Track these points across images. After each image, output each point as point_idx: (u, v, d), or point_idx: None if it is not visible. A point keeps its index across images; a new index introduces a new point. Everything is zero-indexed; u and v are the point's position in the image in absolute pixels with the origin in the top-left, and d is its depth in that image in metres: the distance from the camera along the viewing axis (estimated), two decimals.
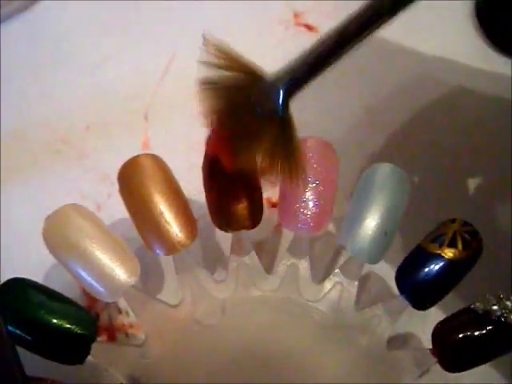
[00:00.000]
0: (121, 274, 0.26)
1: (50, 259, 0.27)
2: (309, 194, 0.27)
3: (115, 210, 0.33)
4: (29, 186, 0.34)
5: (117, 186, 0.28)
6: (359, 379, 0.27)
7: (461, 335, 0.25)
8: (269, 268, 0.31)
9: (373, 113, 0.37)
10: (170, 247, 0.27)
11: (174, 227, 0.27)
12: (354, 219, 0.27)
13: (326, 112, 0.37)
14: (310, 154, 0.28)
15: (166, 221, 0.27)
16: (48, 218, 0.27)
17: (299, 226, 0.27)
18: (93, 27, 0.39)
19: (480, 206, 0.33)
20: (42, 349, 0.26)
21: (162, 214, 0.27)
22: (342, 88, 0.38)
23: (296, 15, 0.40)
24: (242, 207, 0.27)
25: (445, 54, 0.39)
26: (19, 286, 0.26)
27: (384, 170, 0.28)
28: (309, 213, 0.27)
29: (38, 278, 0.31)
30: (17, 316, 0.25)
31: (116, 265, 0.26)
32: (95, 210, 0.33)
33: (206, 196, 0.28)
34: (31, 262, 0.32)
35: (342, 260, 0.31)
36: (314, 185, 0.27)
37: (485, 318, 0.24)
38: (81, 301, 0.31)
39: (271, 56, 0.39)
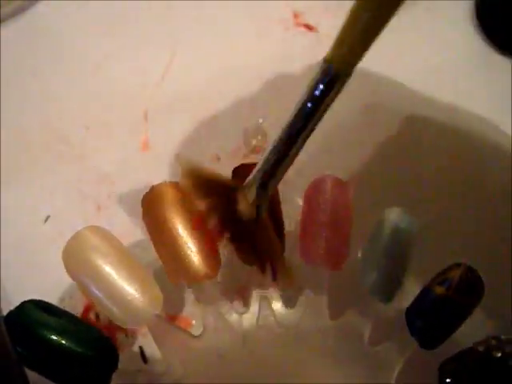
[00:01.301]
0: (144, 303, 0.26)
1: (49, 259, 0.27)
2: (328, 234, 0.28)
3: (115, 209, 0.33)
4: (29, 186, 0.34)
5: (117, 186, 0.28)
6: None
7: (463, 374, 0.26)
8: (289, 301, 0.32)
9: (373, 113, 0.37)
10: (195, 278, 0.27)
11: (199, 258, 0.27)
12: (368, 264, 0.29)
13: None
14: (329, 195, 0.29)
15: (191, 252, 0.27)
16: (70, 241, 0.27)
17: (319, 262, 0.28)
18: (93, 27, 0.39)
19: (481, 245, 0.33)
20: (58, 377, 0.25)
21: (186, 243, 0.27)
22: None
23: (296, 15, 0.40)
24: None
25: (445, 54, 0.39)
26: (34, 308, 0.26)
27: (394, 217, 0.29)
28: (328, 250, 0.28)
29: (37, 277, 0.31)
30: (31, 342, 0.25)
31: (140, 294, 0.26)
32: (95, 209, 0.33)
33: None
34: (31, 262, 0.32)
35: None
36: (332, 224, 0.29)
37: (486, 357, 0.26)
38: (81, 301, 0.31)
39: (271, 56, 0.39)
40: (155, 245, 0.28)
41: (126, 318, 0.26)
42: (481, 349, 0.26)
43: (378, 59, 0.39)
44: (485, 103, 0.37)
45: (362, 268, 0.29)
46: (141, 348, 0.30)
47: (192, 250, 0.27)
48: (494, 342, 0.26)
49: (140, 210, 0.29)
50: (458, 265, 0.28)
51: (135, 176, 0.28)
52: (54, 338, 0.24)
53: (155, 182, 0.28)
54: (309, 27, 0.39)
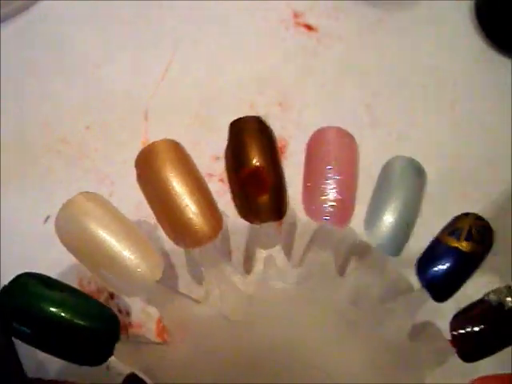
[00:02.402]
0: (144, 269, 0.25)
1: (49, 258, 0.27)
2: (333, 187, 0.27)
3: None
4: (29, 186, 0.34)
5: (117, 186, 0.28)
6: (381, 370, 0.27)
7: (476, 326, 0.26)
8: (295, 258, 0.31)
9: (373, 113, 0.37)
10: (197, 240, 0.26)
11: (201, 219, 0.26)
12: (376, 212, 0.28)
13: (325, 112, 0.37)
14: (333, 146, 0.28)
15: (192, 212, 0.26)
16: (62, 208, 0.25)
17: (324, 217, 0.27)
18: (93, 27, 0.39)
19: (488, 200, 0.33)
20: (61, 350, 0.24)
21: (187, 205, 0.26)
22: (342, 88, 0.38)
23: (296, 15, 0.40)
24: (269, 197, 0.27)
25: (445, 53, 0.39)
26: (31, 281, 0.24)
27: (402, 162, 0.29)
28: (334, 204, 0.27)
29: None
30: (30, 315, 0.23)
31: (139, 260, 0.25)
32: None
33: (230, 183, 0.28)
34: (31, 262, 0.32)
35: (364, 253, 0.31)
36: (337, 177, 0.27)
37: (498, 308, 0.26)
38: None
39: (271, 56, 0.39)
40: (152, 207, 0.27)
41: (125, 286, 0.25)
42: (492, 299, 0.26)
43: (378, 59, 0.39)
44: (485, 103, 0.38)
45: (369, 221, 0.28)
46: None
47: (193, 211, 0.26)
48: (505, 292, 0.26)
49: (140, 209, 0.28)
50: (467, 214, 0.28)
51: (135, 176, 0.28)
52: (53, 311, 0.23)
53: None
54: (309, 27, 0.39)
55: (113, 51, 0.38)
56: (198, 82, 0.37)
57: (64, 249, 0.31)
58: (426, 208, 0.29)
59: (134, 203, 0.29)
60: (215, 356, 0.26)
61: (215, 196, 0.28)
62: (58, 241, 0.31)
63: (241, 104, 0.36)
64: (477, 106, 0.37)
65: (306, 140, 0.29)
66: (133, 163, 0.28)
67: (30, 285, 0.24)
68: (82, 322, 0.23)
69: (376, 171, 0.29)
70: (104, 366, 0.28)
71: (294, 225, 0.32)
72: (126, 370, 0.30)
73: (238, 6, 0.39)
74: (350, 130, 0.29)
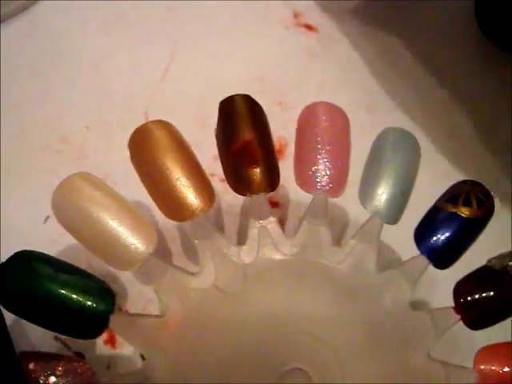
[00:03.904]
0: (138, 242, 0.26)
1: None
2: (324, 156, 0.28)
3: None
4: (29, 186, 0.34)
5: (117, 186, 0.28)
6: (382, 340, 0.27)
7: (481, 292, 0.26)
8: (290, 230, 0.31)
9: (373, 113, 0.37)
10: (189, 213, 0.27)
11: (192, 192, 0.27)
12: (370, 181, 0.28)
13: None
14: (323, 118, 0.28)
15: (183, 186, 0.27)
16: (57, 188, 0.26)
17: (318, 187, 0.28)
18: (93, 27, 0.39)
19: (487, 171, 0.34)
20: (56, 324, 0.25)
21: (178, 179, 0.27)
22: (342, 88, 0.38)
23: (296, 15, 0.40)
24: (260, 170, 0.28)
25: (445, 53, 0.39)
26: (28, 258, 0.25)
27: (395, 133, 0.29)
28: (326, 174, 0.28)
29: None
30: (27, 291, 0.24)
31: (132, 233, 0.26)
32: None
33: (222, 161, 0.28)
34: None
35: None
36: (328, 147, 0.28)
37: (502, 274, 0.26)
38: None
39: (271, 56, 0.39)
40: (146, 185, 0.27)
41: (120, 259, 0.26)
42: (496, 265, 0.26)
43: (377, 59, 0.39)
44: (485, 103, 0.38)
45: (363, 190, 0.28)
46: None
47: (184, 184, 0.27)
48: (509, 257, 0.26)
49: (140, 209, 0.28)
50: (464, 181, 0.28)
51: (135, 176, 0.28)
52: (48, 285, 0.24)
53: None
54: (309, 27, 0.39)
55: (113, 51, 0.38)
56: (198, 82, 0.37)
57: (64, 249, 0.31)
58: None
59: (135, 203, 0.29)
60: (211, 328, 0.27)
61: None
62: (57, 241, 0.32)
63: None
64: (477, 106, 0.37)
65: None
66: None
67: (25, 261, 0.25)
68: (76, 295, 0.24)
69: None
70: (104, 365, 0.28)
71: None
72: (126, 370, 0.30)
73: (238, 5, 0.39)
74: (351, 129, 0.29)
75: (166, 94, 0.37)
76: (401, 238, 0.29)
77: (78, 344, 0.30)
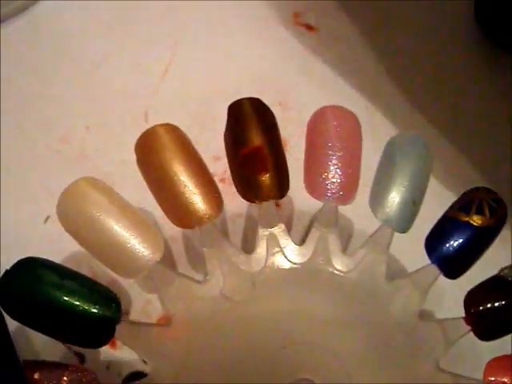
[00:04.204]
0: (145, 249, 0.25)
1: (50, 259, 0.27)
2: (335, 163, 0.27)
3: None
4: (29, 186, 0.34)
5: (117, 186, 0.28)
6: (390, 350, 0.27)
7: (492, 302, 0.25)
8: (299, 237, 0.31)
9: (373, 113, 0.37)
10: (197, 220, 0.26)
11: (200, 199, 0.26)
12: (381, 188, 0.27)
13: None
14: (335, 123, 0.28)
15: (191, 192, 0.26)
16: (62, 194, 0.26)
17: (328, 195, 0.27)
18: (93, 27, 0.39)
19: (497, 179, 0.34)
20: (61, 333, 0.24)
21: (186, 185, 0.26)
22: (342, 88, 0.38)
23: (296, 15, 0.40)
24: (269, 176, 0.27)
25: (445, 53, 0.39)
26: (33, 265, 0.25)
27: (408, 139, 0.28)
28: (337, 181, 0.27)
29: None
30: (31, 299, 0.24)
31: (139, 240, 0.25)
32: None
33: (230, 166, 0.28)
34: None
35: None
36: (339, 153, 0.27)
37: None
38: None
39: (271, 56, 0.39)
40: (152, 190, 0.27)
41: (126, 266, 0.25)
42: (508, 275, 0.25)
43: (377, 59, 0.39)
44: (485, 103, 0.38)
45: (374, 197, 0.28)
46: None
47: (192, 190, 0.26)
48: None
49: (141, 209, 0.28)
50: (477, 188, 0.27)
51: (135, 176, 0.28)
52: (54, 293, 0.24)
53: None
54: (309, 27, 0.39)
55: (113, 51, 0.38)
56: (198, 82, 0.37)
57: (64, 249, 0.31)
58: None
59: (135, 203, 0.29)
60: (217, 337, 0.26)
61: None
62: (57, 241, 0.32)
63: None
64: (477, 106, 0.37)
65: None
66: (133, 163, 0.28)
67: (31, 268, 0.24)
68: (82, 304, 0.24)
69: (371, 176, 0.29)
70: (104, 366, 0.28)
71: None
72: (126, 370, 0.30)
73: (238, 5, 0.39)
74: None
75: (166, 94, 0.37)
76: (410, 247, 0.28)
77: None
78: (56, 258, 0.27)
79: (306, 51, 0.39)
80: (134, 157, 0.28)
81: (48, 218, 0.33)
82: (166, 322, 0.28)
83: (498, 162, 0.36)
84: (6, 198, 0.34)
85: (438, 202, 0.28)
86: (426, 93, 0.38)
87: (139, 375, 0.29)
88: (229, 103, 0.29)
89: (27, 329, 0.24)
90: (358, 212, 0.29)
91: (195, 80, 0.38)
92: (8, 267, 0.24)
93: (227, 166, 0.29)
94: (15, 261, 0.28)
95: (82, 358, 0.30)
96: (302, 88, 0.38)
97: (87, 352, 0.30)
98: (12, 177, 0.34)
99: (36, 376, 0.24)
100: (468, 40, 0.39)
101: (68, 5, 0.39)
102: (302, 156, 0.29)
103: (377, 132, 0.36)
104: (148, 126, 0.33)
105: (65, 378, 0.24)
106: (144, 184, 0.28)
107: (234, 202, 0.28)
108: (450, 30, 0.40)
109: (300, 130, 0.30)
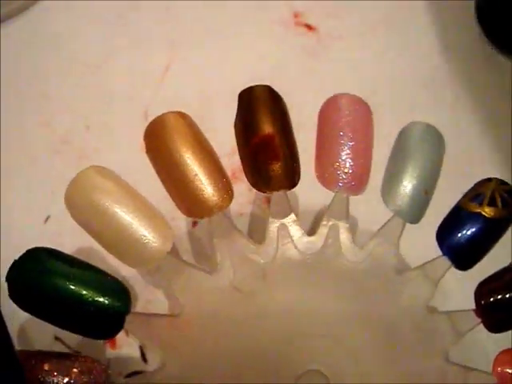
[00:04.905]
0: (155, 240, 0.25)
1: None
2: (347, 153, 0.27)
3: None
4: (29, 186, 0.34)
5: None
6: (401, 341, 0.26)
7: (503, 294, 0.25)
8: (310, 228, 0.31)
9: (373, 113, 0.37)
10: (208, 210, 0.26)
11: (211, 188, 0.26)
12: (393, 178, 0.27)
13: None
14: (347, 112, 0.28)
15: (201, 181, 0.26)
16: (71, 182, 0.25)
17: (339, 184, 0.27)
18: (93, 27, 0.39)
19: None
20: (70, 323, 0.24)
21: (196, 174, 0.26)
22: (342, 88, 0.38)
23: (296, 15, 0.40)
24: (281, 165, 0.27)
25: (445, 53, 0.39)
26: (42, 255, 0.24)
27: (420, 128, 0.28)
28: (348, 171, 0.27)
29: None
30: (41, 288, 0.23)
31: (149, 230, 0.25)
32: None
33: (241, 155, 0.27)
34: None
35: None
36: (351, 143, 0.27)
37: None
38: None
39: (271, 56, 0.39)
40: (162, 178, 0.27)
41: (136, 256, 0.25)
42: None
43: (378, 59, 0.39)
44: (485, 103, 0.38)
45: (386, 188, 0.27)
46: (140, 347, 0.30)
47: (202, 180, 0.26)
48: None
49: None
50: (489, 179, 0.27)
51: (135, 176, 0.28)
52: (64, 284, 0.24)
53: (155, 182, 0.28)
54: (309, 27, 0.39)
55: (113, 51, 0.38)
56: (198, 82, 0.37)
57: (64, 249, 0.31)
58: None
59: None
60: (227, 327, 0.26)
61: None
62: (58, 241, 0.32)
63: None
64: (477, 106, 0.37)
65: (307, 139, 0.29)
66: (133, 163, 0.29)
67: (40, 258, 0.24)
68: (92, 295, 0.24)
69: (376, 171, 0.29)
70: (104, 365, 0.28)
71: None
72: (126, 370, 0.30)
73: (238, 5, 0.39)
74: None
75: (166, 94, 0.37)
76: (421, 237, 0.28)
77: (78, 343, 0.30)
78: None
79: (306, 51, 0.39)
80: (133, 157, 0.28)
81: (48, 217, 0.33)
82: (174, 313, 0.28)
83: (497, 163, 0.36)
84: (6, 198, 0.34)
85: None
86: (426, 93, 0.38)
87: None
88: (228, 103, 0.29)
89: (23, 321, 0.24)
90: (368, 202, 0.29)
91: (195, 80, 0.37)
92: (8, 268, 0.24)
93: (227, 165, 0.29)
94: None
95: None
96: (301, 88, 0.37)
97: (87, 352, 0.30)
98: (12, 177, 0.34)
99: (46, 367, 0.24)
100: (468, 40, 0.39)
101: (68, 5, 0.39)
102: (302, 156, 0.29)
103: (376, 132, 0.36)
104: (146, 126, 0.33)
105: (74, 370, 0.24)
106: (144, 184, 0.28)
107: (235, 200, 0.28)
108: (450, 30, 0.40)
109: (300, 130, 0.30)
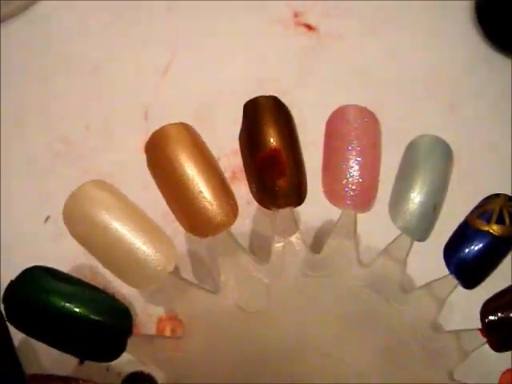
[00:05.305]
0: (157, 260, 0.24)
1: (50, 259, 0.27)
2: (355, 169, 0.26)
3: None
4: (29, 186, 0.34)
5: (117, 186, 0.28)
6: (406, 360, 0.26)
7: (509, 313, 0.25)
8: (316, 246, 0.30)
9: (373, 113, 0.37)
10: (212, 228, 0.25)
11: (216, 206, 0.25)
12: (401, 195, 0.26)
13: (326, 112, 0.37)
14: (355, 125, 0.27)
15: (206, 198, 0.25)
16: (69, 197, 0.24)
17: (348, 202, 0.26)
18: (93, 27, 0.39)
19: None
20: (71, 346, 0.23)
21: (200, 190, 0.24)
22: (342, 88, 0.38)
23: (296, 15, 0.40)
24: (287, 181, 0.26)
25: (445, 53, 0.39)
26: (39, 275, 0.23)
27: (428, 141, 0.27)
28: (357, 188, 0.26)
29: None
30: (39, 309, 0.22)
31: (151, 250, 0.24)
32: None
33: (246, 169, 0.26)
34: (31, 262, 0.32)
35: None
36: (359, 158, 0.26)
37: None
38: None
39: (271, 56, 0.39)
40: (164, 194, 0.25)
41: (138, 277, 0.24)
42: None
43: (378, 59, 0.39)
44: (485, 103, 0.38)
45: (394, 204, 0.27)
46: None
47: (207, 197, 0.25)
48: None
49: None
50: (497, 195, 0.26)
51: (135, 176, 0.28)
52: (64, 305, 0.23)
53: (155, 184, 0.28)
54: (309, 27, 0.39)
55: (113, 51, 0.38)
56: (198, 82, 0.37)
57: (64, 249, 0.31)
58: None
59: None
60: (231, 348, 0.26)
61: None
62: (58, 241, 0.32)
63: (241, 104, 0.36)
64: (477, 106, 0.37)
65: (306, 139, 0.29)
66: (133, 163, 0.28)
67: (39, 278, 0.23)
68: (93, 317, 0.23)
69: (384, 184, 0.29)
70: (104, 368, 0.28)
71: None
72: (126, 370, 0.30)
73: (238, 5, 0.39)
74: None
75: (166, 94, 0.37)
76: (429, 254, 0.28)
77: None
78: (56, 257, 0.27)
79: (306, 51, 0.39)
80: (133, 157, 0.28)
81: (48, 218, 0.33)
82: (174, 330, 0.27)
83: (497, 163, 0.36)
84: (6, 198, 0.34)
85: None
86: (426, 93, 0.38)
87: (139, 375, 0.29)
88: (229, 103, 0.29)
89: (30, 342, 0.24)
90: (374, 219, 0.28)
91: (195, 80, 0.37)
92: (7, 267, 0.24)
93: (227, 166, 0.29)
94: (15, 261, 0.28)
95: (81, 360, 0.30)
96: (302, 88, 0.37)
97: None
98: (12, 177, 0.34)
99: None
100: (468, 40, 0.39)
101: (68, 5, 0.39)
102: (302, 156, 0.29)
103: None
104: (148, 126, 0.33)
105: None
106: (145, 184, 0.28)
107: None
108: (450, 30, 0.40)
109: (300, 130, 0.30)
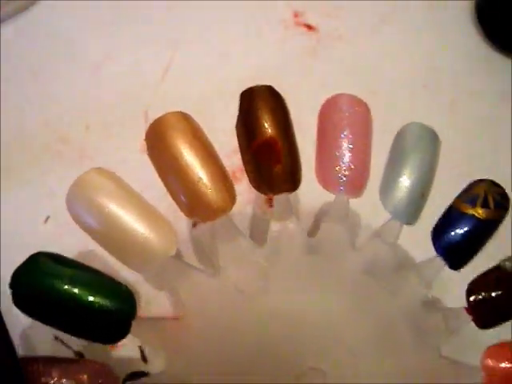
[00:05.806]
0: (159, 244, 0.24)
1: None
2: (349, 155, 0.27)
3: None
4: (29, 186, 0.34)
5: None
6: (395, 339, 0.27)
7: (492, 292, 0.26)
8: (312, 229, 0.31)
9: (373, 113, 0.37)
10: (211, 213, 0.25)
11: (214, 191, 0.25)
12: (391, 181, 0.27)
13: None
14: (347, 114, 0.27)
15: (205, 183, 0.25)
16: (73, 184, 0.25)
17: (341, 188, 0.27)
18: (93, 27, 0.39)
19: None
20: (77, 328, 0.24)
21: (199, 176, 0.25)
22: (342, 88, 0.38)
23: (296, 15, 0.40)
24: (283, 168, 0.26)
25: (445, 53, 0.39)
26: (44, 260, 0.24)
27: (415, 128, 0.28)
28: (350, 174, 0.27)
29: None
30: (45, 294, 0.23)
31: (153, 234, 0.24)
32: None
33: (243, 157, 0.27)
34: None
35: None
36: (352, 145, 0.27)
37: None
38: None
39: (271, 56, 0.39)
40: (164, 180, 0.26)
41: (139, 261, 0.25)
42: (508, 266, 0.26)
43: (378, 59, 0.39)
44: (485, 103, 0.38)
45: (384, 188, 0.28)
46: (140, 348, 0.30)
47: (206, 183, 0.25)
48: None
49: None
50: (482, 180, 0.28)
51: (135, 176, 0.28)
52: (69, 289, 0.23)
53: (155, 183, 0.28)
54: (309, 27, 0.39)
55: (113, 51, 0.38)
56: (198, 82, 0.37)
57: (64, 249, 0.31)
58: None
59: None
60: (231, 329, 0.26)
61: None
62: (58, 241, 0.32)
63: None
64: (477, 106, 0.37)
65: (306, 139, 0.29)
66: (133, 163, 0.29)
67: (43, 263, 0.24)
68: (98, 300, 0.23)
69: (376, 171, 0.29)
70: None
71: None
72: (126, 370, 0.30)
73: (238, 5, 0.39)
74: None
75: (166, 94, 0.37)
76: (415, 237, 0.29)
77: (78, 344, 0.30)
78: None
79: (306, 51, 0.39)
80: (133, 157, 0.28)
81: (48, 218, 0.33)
82: (178, 316, 0.28)
83: (497, 163, 0.36)
84: (6, 198, 0.34)
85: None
86: (426, 93, 0.38)
87: (139, 375, 0.29)
88: (228, 103, 0.29)
89: (22, 322, 0.24)
90: (364, 203, 0.29)
91: (195, 80, 0.38)
92: (8, 267, 0.24)
93: (227, 166, 0.29)
94: (15, 261, 0.28)
95: (81, 357, 0.30)
96: (301, 88, 0.38)
97: (87, 352, 0.30)
98: (12, 177, 0.34)
99: (53, 373, 0.23)
100: (468, 40, 0.39)
101: (68, 5, 0.39)
102: (302, 156, 0.29)
103: (376, 132, 0.36)
104: (148, 126, 0.33)
105: (84, 375, 0.23)
106: (145, 184, 0.28)
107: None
108: (450, 30, 0.40)
109: (300, 130, 0.30)
